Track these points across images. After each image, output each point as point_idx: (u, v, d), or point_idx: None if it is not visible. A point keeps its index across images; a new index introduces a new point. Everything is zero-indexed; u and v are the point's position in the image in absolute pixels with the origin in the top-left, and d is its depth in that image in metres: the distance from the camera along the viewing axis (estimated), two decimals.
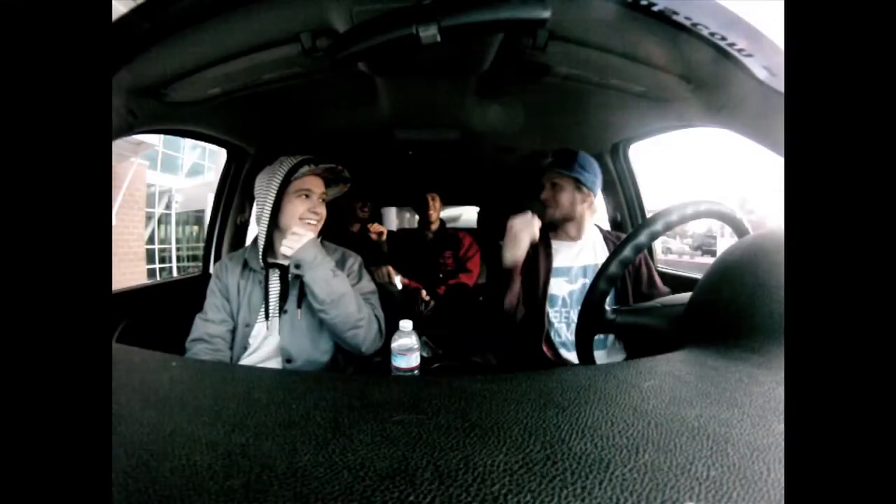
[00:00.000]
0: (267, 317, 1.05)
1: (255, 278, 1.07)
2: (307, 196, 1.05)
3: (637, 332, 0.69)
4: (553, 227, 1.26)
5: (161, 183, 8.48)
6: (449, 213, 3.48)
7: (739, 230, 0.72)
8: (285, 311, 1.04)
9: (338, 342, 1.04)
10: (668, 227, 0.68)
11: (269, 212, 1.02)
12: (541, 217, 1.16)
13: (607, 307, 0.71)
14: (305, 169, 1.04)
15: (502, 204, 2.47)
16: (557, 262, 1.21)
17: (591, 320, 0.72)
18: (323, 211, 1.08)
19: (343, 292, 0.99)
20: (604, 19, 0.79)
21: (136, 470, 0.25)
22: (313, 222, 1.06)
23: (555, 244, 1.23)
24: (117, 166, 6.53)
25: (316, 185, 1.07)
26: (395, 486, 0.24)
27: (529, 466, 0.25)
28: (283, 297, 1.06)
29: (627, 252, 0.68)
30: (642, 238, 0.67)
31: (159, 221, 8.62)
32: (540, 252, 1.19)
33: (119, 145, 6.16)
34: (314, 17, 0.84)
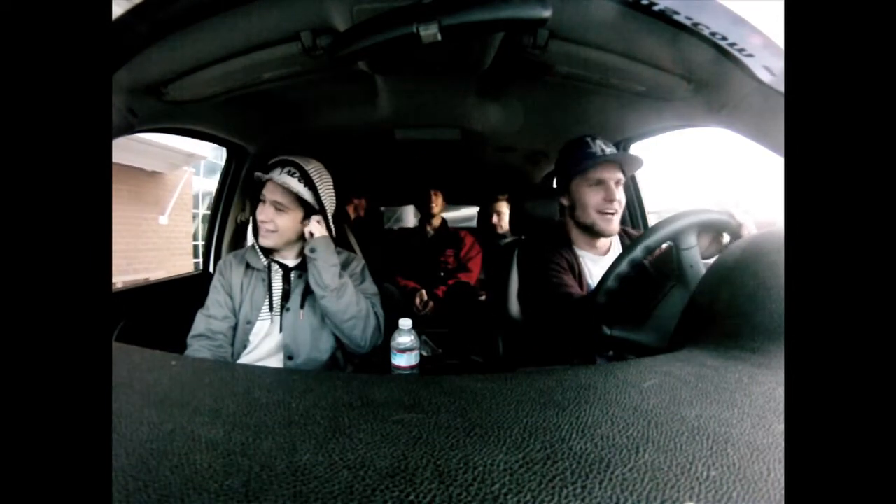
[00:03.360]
0: (271, 309, 1.06)
1: (257, 276, 1.09)
2: (263, 202, 1.04)
3: (633, 347, 0.70)
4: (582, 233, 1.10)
5: (203, 187, 8.78)
6: (457, 214, 3.50)
7: (733, 233, 0.72)
8: (287, 309, 1.05)
9: (338, 335, 1.05)
10: (650, 251, 0.69)
11: (250, 215, 1.07)
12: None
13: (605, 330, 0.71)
14: (266, 175, 1.03)
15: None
16: (590, 279, 1.06)
17: (589, 337, 0.72)
18: (274, 219, 1.03)
19: (346, 283, 1.04)
20: (604, 19, 0.79)
21: (136, 469, 0.25)
22: (262, 231, 1.04)
23: (581, 254, 1.09)
24: (171, 175, 6.54)
25: (269, 192, 1.04)
26: (395, 485, 0.24)
27: (529, 466, 0.25)
28: (286, 296, 1.07)
29: (611, 283, 0.68)
30: (623, 267, 0.68)
31: (202, 220, 8.92)
32: (574, 264, 1.06)
33: (172, 155, 6.07)
34: (315, 15, 0.84)
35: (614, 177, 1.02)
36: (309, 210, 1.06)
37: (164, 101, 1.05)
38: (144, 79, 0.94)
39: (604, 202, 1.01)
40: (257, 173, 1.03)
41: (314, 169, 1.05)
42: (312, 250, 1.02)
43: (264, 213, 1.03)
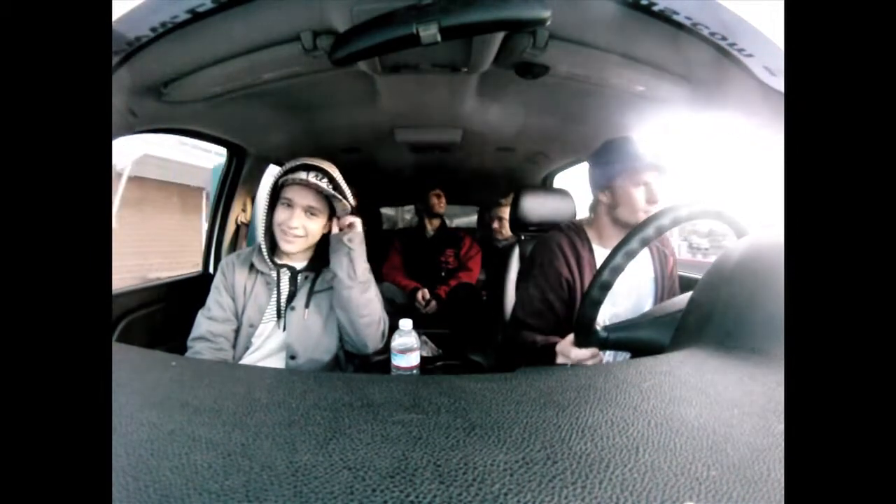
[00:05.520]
0: (279, 316, 1.05)
1: (262, 279, 1.08)
2: (288, 206, 1.02)
3: (630, 347, 0.69)
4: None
5: None
6: (459, 221, 3.50)
7: (738, 230, 0.71)
8: (292, 308, 1.05)
9: (349, 333, 1.04)
10: (661, 232, 0.68)
11: (263, 216, 1.04)
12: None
13: (598, 326, 0.69)
14: (291, 177, 1.00)
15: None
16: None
17: (584, 338, 0.71)
18: (305, 224, 1.02)
19: (371, 278, 1.06)
20: (604, 19, 0.79)
21: (136, 469, 0.25)
22: (288, 236, 1.02)
23: (599, 254, 1.07)
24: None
25: (300, 196, 1.02)
26: (395, 485, 0.24)
27: (529, 466, 0.25)
28: (290, 297, 1.07)
29: (619, 259, 0.66)
30: (634, 244, 0.66)
31: None
32: (584, 263, 1.04)
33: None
34: (314, 16, 0.84)
35: (656, 179, 1.03)
36: (332, 215, 1.07)
37: (165, 102, 1.05)
38: (144, 79, 0.94)
39: (648, 204, 1.02)
40: (291, 176, 1.00)
41: (338, 174, 1.05)
42: (350, 240, 1.03)
43: (295, 218, 1.01)
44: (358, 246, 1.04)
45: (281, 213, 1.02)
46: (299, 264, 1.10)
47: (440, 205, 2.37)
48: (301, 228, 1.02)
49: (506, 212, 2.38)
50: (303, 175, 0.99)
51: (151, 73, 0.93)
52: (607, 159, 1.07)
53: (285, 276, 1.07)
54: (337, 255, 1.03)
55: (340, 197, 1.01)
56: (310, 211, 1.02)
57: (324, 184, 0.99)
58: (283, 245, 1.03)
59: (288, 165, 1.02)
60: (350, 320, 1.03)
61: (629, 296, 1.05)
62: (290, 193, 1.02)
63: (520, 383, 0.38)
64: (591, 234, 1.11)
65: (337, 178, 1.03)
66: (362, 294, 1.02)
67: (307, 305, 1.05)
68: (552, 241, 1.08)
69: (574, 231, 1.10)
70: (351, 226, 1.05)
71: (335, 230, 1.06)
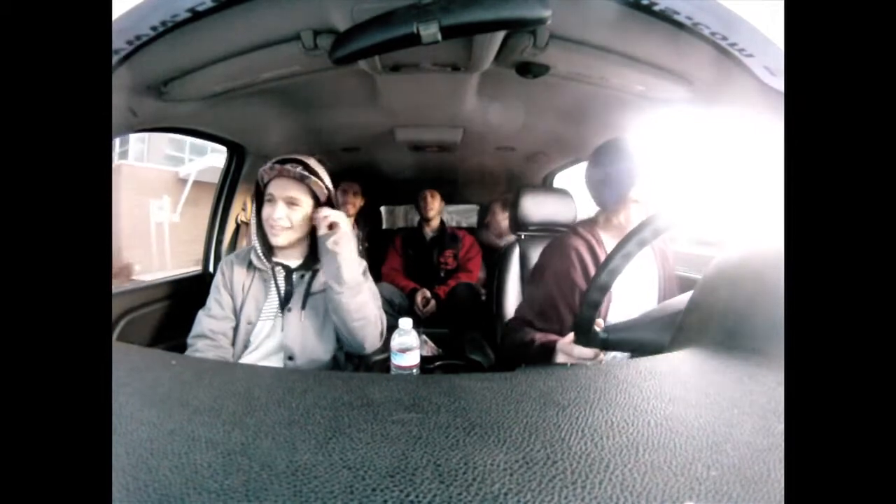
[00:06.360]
0: (281, 310, 1.06)
1: (260, 277, 1.08)
2: (271, 201, 1.03)
3: (630, 347, 0.68)
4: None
5: None
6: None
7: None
8: (289, 310, 1.05)
9: (343, 335, 1.04)
10: (658, 233, 0.67)
11: (254, 215, 1.05)
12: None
13: (598, 328, 0.68)
14: (266, 171, 1.01)
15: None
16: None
17: (584, 339, 0.71)
18: (288, 215, 1.02)
19: (363, 280, 1.03)
20: (604, 19, 0.79)
21: (136, 468, 0.25)
22: (275, 229, 1.02)
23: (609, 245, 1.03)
24: None
25: (279, 189, 1.01)
26: (395, 484, 0.24)
27: (529, 465, 0.25)
28: (287, 297, 1.07)
29: (617, 261, 0.65)
30: (632, 246, 0.66)
31: None
32: (587, 259, 1.02)
33: None
34: (315, 15, 0.84)
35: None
36: (317, 203, 1.06)
37: (165, 101, 1.05)
38: (145, 78, 0.94)
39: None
40: (262, 170, 1.02)
41: (314, 163, 1.05)
42: (335, 242, 0.99)
43: (278, 210, 1.01)
44: (345, 250, 1.00)
45: (266, 209, 1.03)
46: (294, 262, 1.09)
47: (431, 207, 2.34)
48: (285, 219, 1.02)
49: (499, 207, 2.38)
50: (275, 166, 1.00)
51: (152, 71, 0.93)
52: (631, 157, 1.01)
53: (280, 275, 1.07)
54: (325, 258, 1.01)
55: (313, 177, 1.00)
56: (290, 201, 1.02)
57: (298, 170, 1.00)
58: (272, 239, 1.04)
59: (267, 164, 1.03)
60: (343, 323, 1.02)
61: (633, 295, 1.03)
62: (271, 188, 1.03)
63: (520, 383, 0.38)
64: (605, 236, 1.06)
65: (312, 165, 1.03)
66: (352, 298, 1.00)
67: (303, 307, 1.05)
68: (568, 248, 1.04)
69: (590, 233, 1.07)
70: (335, 226, 1.01)
71: (321, 231, 1.02)
